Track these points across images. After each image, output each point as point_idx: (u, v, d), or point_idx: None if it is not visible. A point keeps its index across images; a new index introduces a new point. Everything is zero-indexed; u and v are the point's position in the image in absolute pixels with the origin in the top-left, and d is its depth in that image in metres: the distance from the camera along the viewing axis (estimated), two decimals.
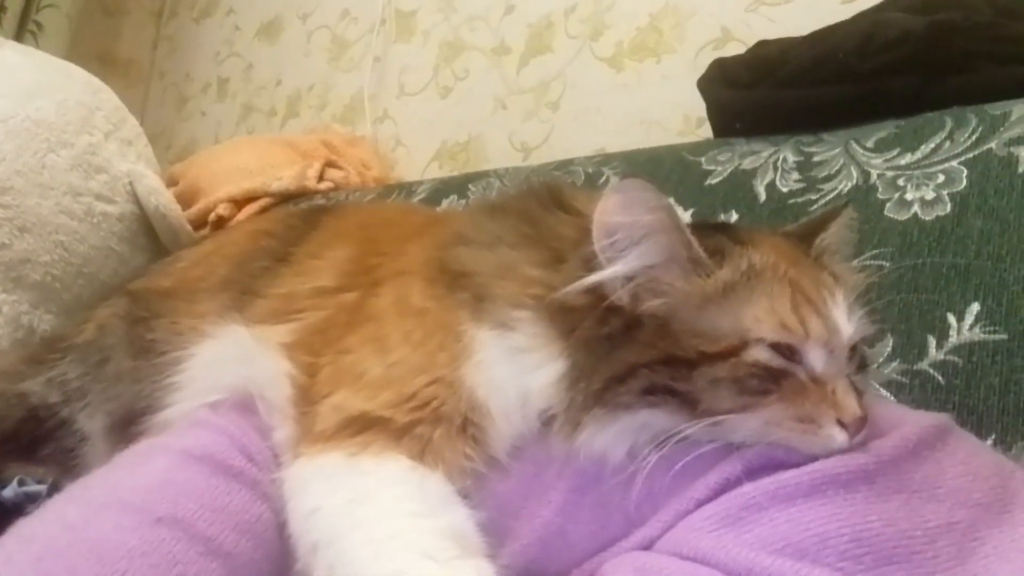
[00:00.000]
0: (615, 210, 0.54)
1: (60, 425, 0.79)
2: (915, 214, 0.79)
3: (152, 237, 1.46)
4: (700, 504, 0.52)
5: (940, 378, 0.71)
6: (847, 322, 0.56)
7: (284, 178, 1.53)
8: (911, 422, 0.54)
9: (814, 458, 0.52)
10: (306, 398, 0.61)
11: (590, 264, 0.55)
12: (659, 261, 0.55)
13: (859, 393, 0.54)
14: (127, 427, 0.73)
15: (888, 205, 0.81)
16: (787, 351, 0.53)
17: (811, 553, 0.47)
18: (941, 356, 0.71)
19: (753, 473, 0.52)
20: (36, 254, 1.26)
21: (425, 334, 0.60)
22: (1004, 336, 0.69)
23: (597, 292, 0.55)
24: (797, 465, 0.52)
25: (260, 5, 2.23)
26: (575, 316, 0.56)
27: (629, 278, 0.55)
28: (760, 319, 0.53)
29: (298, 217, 0.85)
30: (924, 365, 0.72)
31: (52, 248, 1.29)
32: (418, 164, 1.73)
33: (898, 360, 0.73)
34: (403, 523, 0.52)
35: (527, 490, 0.57)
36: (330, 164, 1.61)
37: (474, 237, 0.64)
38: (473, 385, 0.58)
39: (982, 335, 0.70)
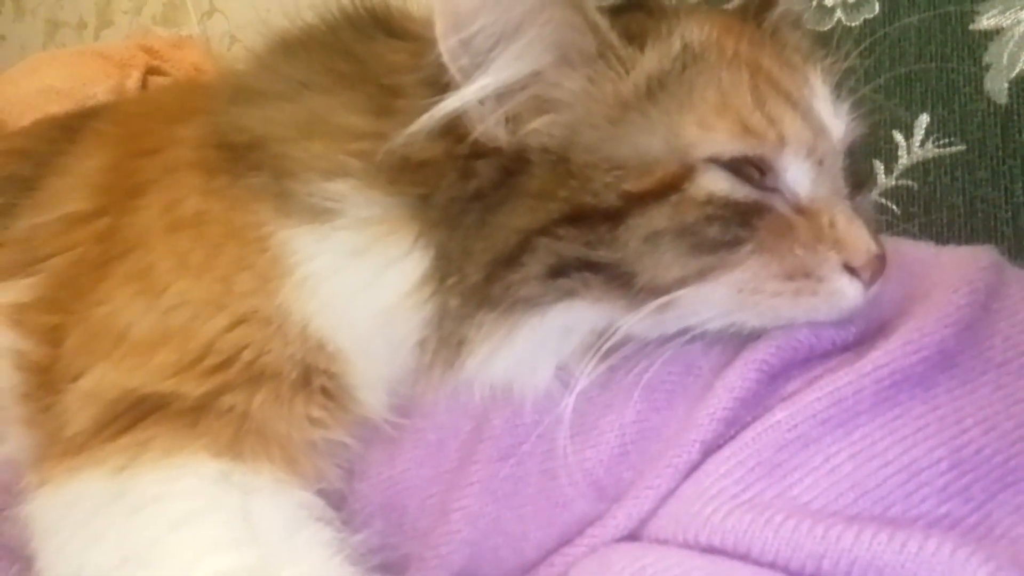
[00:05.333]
0: None
1: None
2: (839, 20, 0.67)
3: None
4: (708, 450, 0.34)
5: (895, 207, 0.60)
6: (835, 116, 0.39)
7: (99, 94, 1.30)
8: (962, 265, 0.38)
9: (852, 339, 0.36)
10: (46, 382, 0.40)
11: (437, 85, 0.36)
12: (548, 60, 0.35)
13: (868, 222, 0.37)
14: None
15: (806, 16, 0.68)
16: (754, 170, 0.36)
17: (898, 501, 0.31)
18: (892, 182, 0.61)
19: (776, 380, 0.35)
20: None
21: (210, 251, 0.39)
22: (962, 147, 0.58)
23: (454, 129, 0.36)
24: (834, 352, 0.35)
25: None
26: (426, 174, 0.36)
27: (502, 95, 0.35)
28: (708, 124, 0.35)
29: (59, 127, 0.59)
30: (874, 196, 0.61)
31: None
32: None
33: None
34: None
35: (429, 466, 0.38)
36: (153, 71, 1.39)
37: (266, 88, 0.42)
38: (305, 315, 0.37)
39: (937, 150, 0.59)
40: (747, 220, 0.35)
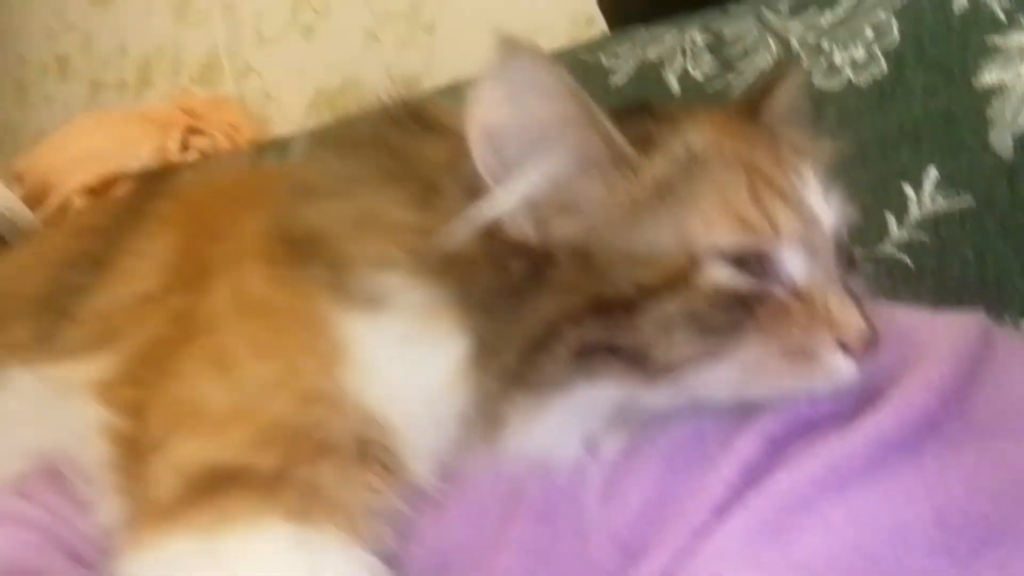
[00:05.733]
0: (498, 107, 0.39)
1: None
2: (848, 79, 0.69)
3: (3, 248, 1.29)
4: (721, 511, 0.37)
5: (907, 259, 0.62)
6: (826, 206, 0.43)
7: (142, 155, 1.37)
8: (951, 333, 0.41)
9: (849, 409, 0.39)
10: (134, 453, 0.45)
11: (474, 190, 0.40)
12: (570, 167, 0.40)
13: (858, 302, 0.41)
14: None
15: (816, 74, 0.71)
16: (755, 262, 0.40)
17: (889, 557, 0.34)
18: (904, 234, 0.63)
19: (781, 448, 0.38)
20: None
21: (277, 335, 0.44)
22: (970, 200, 0.60)
23: (489, 228, 0.41)
24: (832, 422, 0.39)
25: None
26: (467, 267, 0.41)
27: (530, 200, 0.40)
28: (711, 220, 0.39)
29: (127, 206, 0.67)
30: (888, 247, 0.63)
31: None
32: (294, 117, 1.59)
33: (857, 247, 0.64)
34: None
35: (475, 531, 0.42)
36: (193, 131, 1.46)
37: (320, 185, 0.48)
38: (361, 394, 0.42)
39: (946, 203, 0.61)
40: (748, 306, 0.39)
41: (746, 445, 0.38)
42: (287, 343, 0.44)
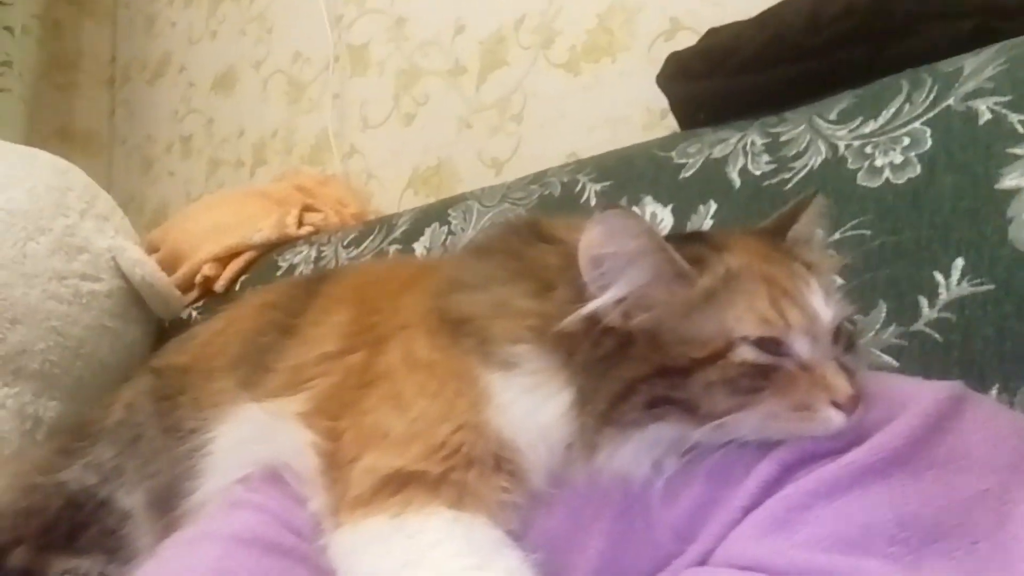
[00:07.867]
0: (599, 242, 0.56)
1: (100, 506, 0.80)
2: (887, 179, 0.81)
3: (143, 308, 1.48)
4: (747, 511, 0.53)
5: (938, 336, 0.73)
6: (825, 307, 0.58)
7: (264, 229, 1.54)
8: (926, 396, 0.55)
9: (843, 446, 0.54)
10: (334, 464, 0.62)
11: (582, 293, 0.58)
12: (646, 281, 0.57)
13: (850, 372, 0.56)
14: (168, 503, 0.75)
15: (860, 174, 0.83)
16: (772, 345, 0.55)
17: (860, 544, 0.49)
18: (935, 315, 0.73)
19: (791, 470, 0.54)
20: (31, 343, 1.28)
21: (440, 384, 0.62)
22: (991, 286, 0.71)
23: (591, 317, 0.58)
24: (829, 455, 0.54)
25: (211, 59, 2.24)
26: (572, 342, 0.58)
27: (619, 300, 0.57)
28: (741, 318, 0.55)
29: (300, 287, 0.86)
30: (920, 326, 0.74)
31: (46, 335, 1.31)
32: (393, 194, 1.75)
33: (894, 325, 0.75)
34: None
35: (575, 523, 0.58)
36: (307, 208, 1.63)
37: (467, 281, 0.66)
38: (498, 426, 0.59)
39: (970, 288, 0.72)
40: (767, 375, 0.55)
41: (766, 467, 0.54)
42: (447, 390, 0.62)
